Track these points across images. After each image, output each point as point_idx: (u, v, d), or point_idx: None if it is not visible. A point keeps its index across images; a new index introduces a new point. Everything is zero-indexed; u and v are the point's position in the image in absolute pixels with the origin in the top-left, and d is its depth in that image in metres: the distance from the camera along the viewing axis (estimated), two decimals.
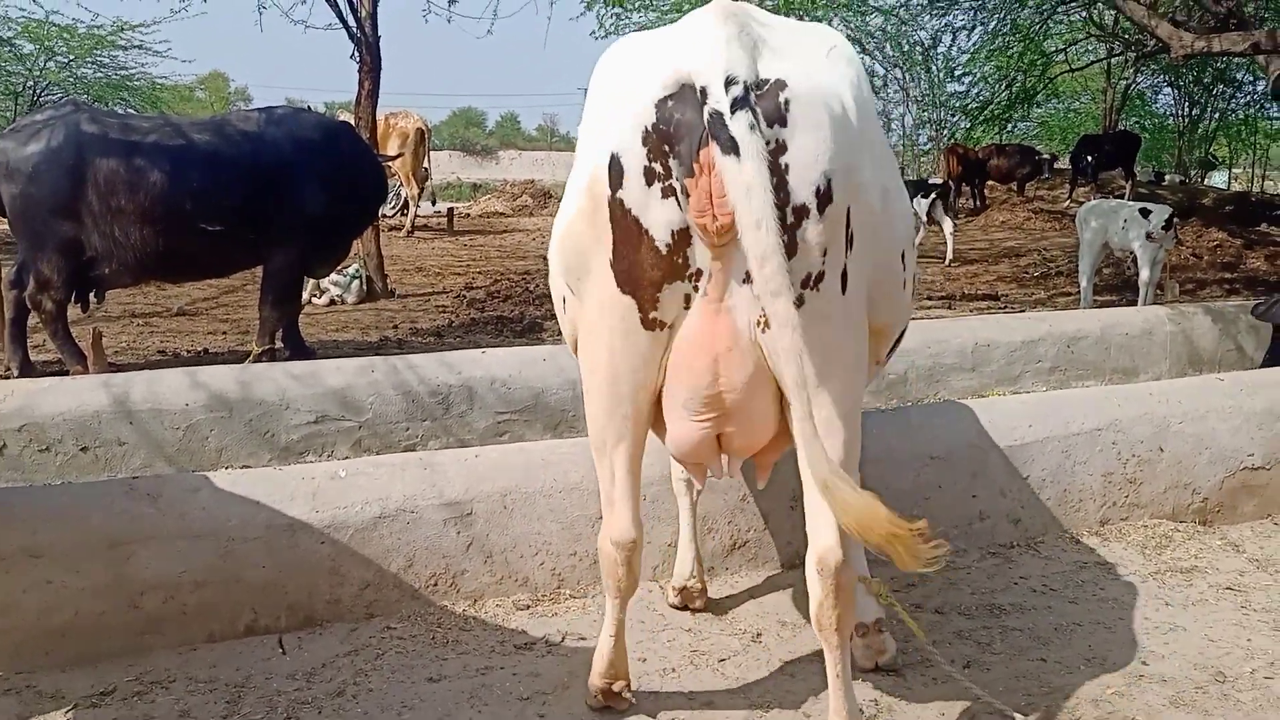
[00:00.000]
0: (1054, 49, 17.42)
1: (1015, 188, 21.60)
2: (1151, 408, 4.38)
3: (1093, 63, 20.51)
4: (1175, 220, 9.67)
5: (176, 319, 9.79)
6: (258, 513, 3.34)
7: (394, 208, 19.84)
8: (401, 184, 18.57)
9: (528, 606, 3.53)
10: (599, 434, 2.61)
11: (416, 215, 18.66)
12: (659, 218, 2.27)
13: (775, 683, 3.04)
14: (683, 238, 2.27)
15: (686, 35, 2.35)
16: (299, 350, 7.21)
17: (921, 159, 28.75)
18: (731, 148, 2.11)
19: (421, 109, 20.25)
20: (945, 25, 17.05)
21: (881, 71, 26.11)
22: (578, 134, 2.70)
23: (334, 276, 10.41)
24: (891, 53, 24.80)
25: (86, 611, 3.14)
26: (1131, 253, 9.58)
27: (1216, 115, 26.89)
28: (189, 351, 8.03)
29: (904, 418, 4.26)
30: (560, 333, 3.05)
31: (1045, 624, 3.42)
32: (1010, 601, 3.59)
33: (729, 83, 2.14)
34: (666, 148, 2.23)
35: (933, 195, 14.06)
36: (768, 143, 2.16)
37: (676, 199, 2.25)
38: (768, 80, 2.20)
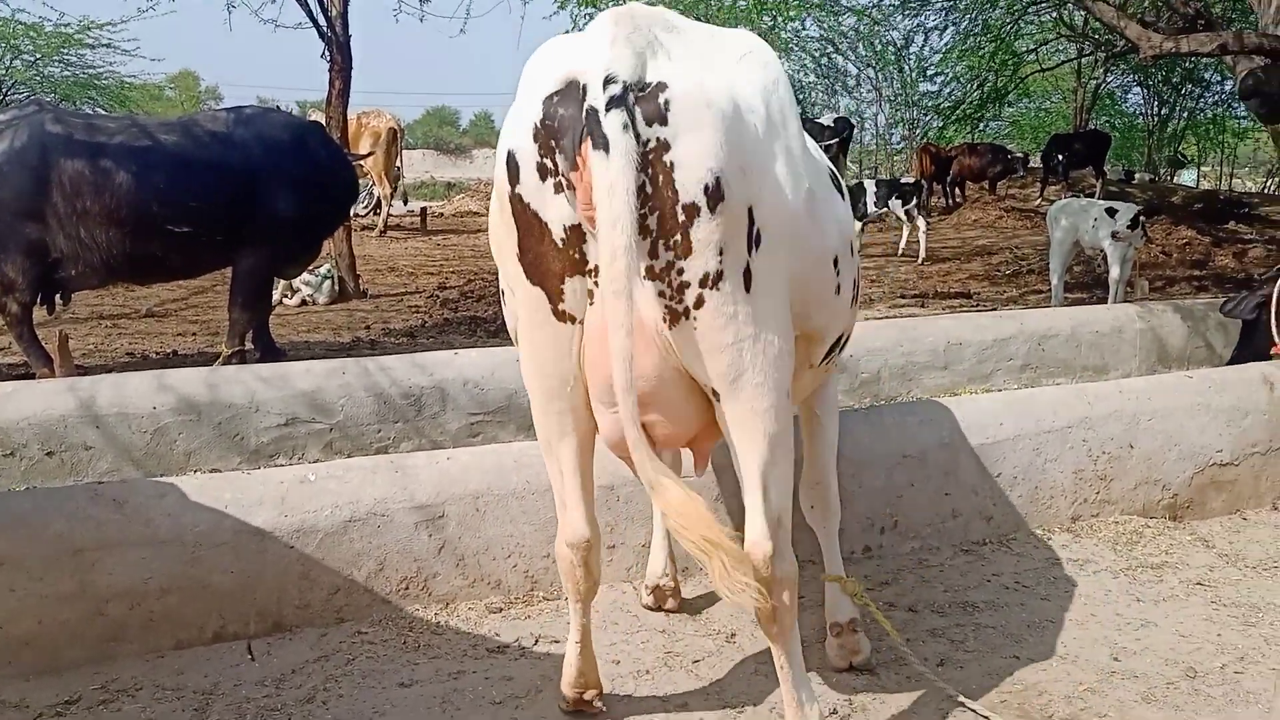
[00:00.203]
0: (1025, 49, 17.54)
1: (987, 186, 21.74)
2: (1122, 405, 4.41)
3: (1063, 63, 20.72)
4: (1143, 219, 9.75)
5: (145, 320, 9.68)
6: (225, 518, 3.29)
7: (366, 207, 19.73)
8: (374, 183, 18.47)
9: (500, 609, 3.51)
10: (543, 431, 2.63)
11: (389, 215, 18.56)
12: (554, 213, 2.31)
13: (749, 684, 3.03)
14: (577, 232, 2.29)
15: (584, 36, 2.39)
16: (269, 352, 7.14)
17: (895, 158, 28.90)
18: (603, 144, 2.13)
19: (395, 108, 20.20)
20: (917, 25, 17.17)
21: (855, 71, 26.25)
22: None
23: (305, 277, 10.34)
24: (864, 52, 24.92)
25: (51, 619, 3.08)
26: (1102, 251, 9.65)
27: (1185, 114, 27.20)
28: (157, 353, 7.95)
29: (877, 416, 4.27)
30: None
31: (1018, 621, 3.44)
32: (983, 599, 3.60)
33: (608, 81, 2.16)
34: (553, 143, 2.26)
35: (908, 195, 14.13)
36: (648, 141, 2.18)
37: (567, 195, 2.28)
38: (651, 82, 2.22)
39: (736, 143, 2.24)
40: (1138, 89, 27.03)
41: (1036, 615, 3.47)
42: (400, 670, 3.11)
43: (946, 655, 3.20)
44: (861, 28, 21.65)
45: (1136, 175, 26.28)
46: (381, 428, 5.09)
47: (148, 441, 4.77)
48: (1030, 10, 14.79)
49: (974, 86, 16.66)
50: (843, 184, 2.95)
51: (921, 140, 23.13)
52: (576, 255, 2.31)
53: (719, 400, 2.36)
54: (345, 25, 10.80)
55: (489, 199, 2.63)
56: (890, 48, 23.65)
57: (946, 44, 16.46)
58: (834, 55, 24.90)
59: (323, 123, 9.97)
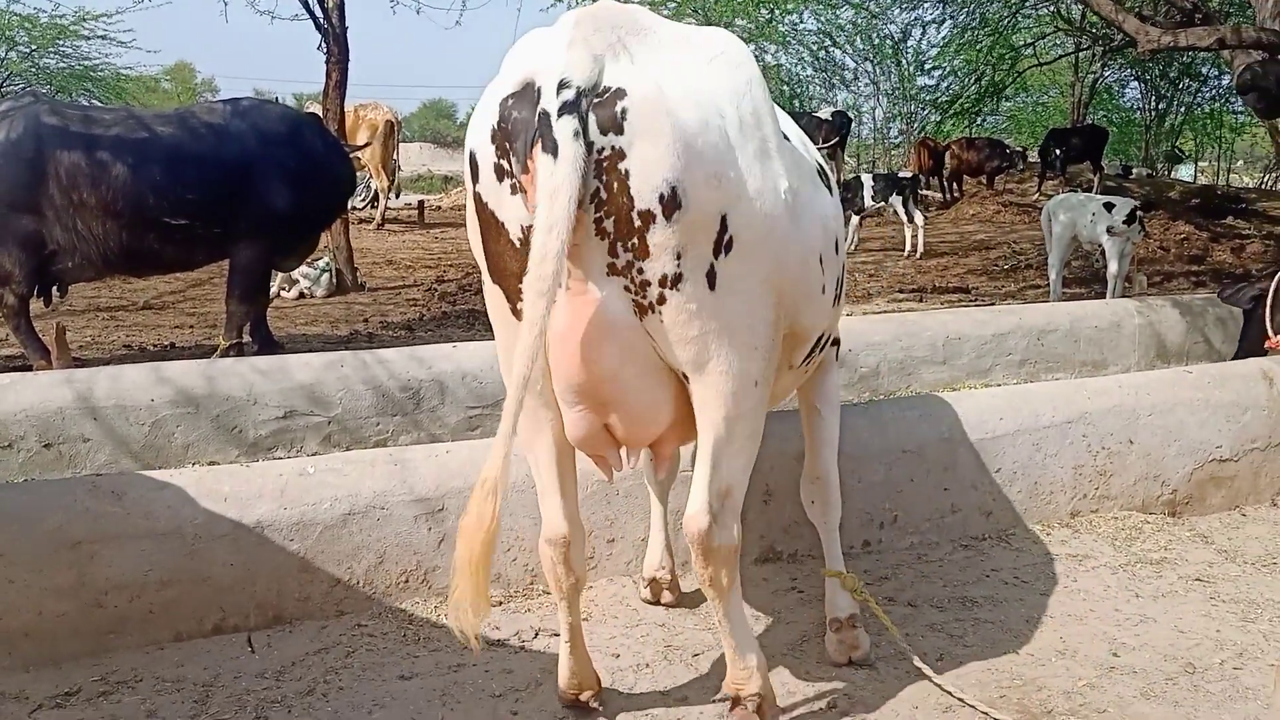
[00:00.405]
0: (1022, 43, 17.55)
1: (985, 181, 21.73)
2: (1121, 400, 4.42)
3: (1061, 57, 20.68)
4: (1140, 214, 9.75)
5: (142, 313, 9.66)
6: (225, 510, 3.29)
7: (364, 200, 19.68)
8: (371, 176, 18.43)
9: (500, 602, 3.51)
10: (521, 428, 2.60)
11: (387, 208, 18.52)
12: (510, 213, 2.30)
13: None
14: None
15: (547, 35, 2.36)
16: (267, 344, 7.13)
17: (892, 152, 28.89)
18: (551, 149, 2.12)
19: (392, 100, 20.13)
20: (915, 19, 17.20)
21: (852, 65, 26.27)
22: None
23: (303, 269, 10.30)
24: (862, 46, 24.96)
25: (50, 612, 3.08)
26: (1100, 246, 9.65)
27: (1183, 109, 27.18)
28: (155, 346, 7.92)
29: (876, 411, 4.27)
30: None
31: (1017, 616, 3.44)
32: (982, 594, 3.61)
33: (561, 86, 2.14)
34: (508, 145, 2.25)
35: (906, 191, 14.12)
36: (602, 149, 2.16)
37: (522, 196, 2.27)
38: (609, 88, 2.18)
39: (700, 151, 2.21)
40: (1135, 84, 27.07)
41: (1035, 611, 3.48)
42: (400, 663, 3.11)
43: (945, 650, 3.20)
44: (859, 21, 21.70)
45: (1134, 170, 26.26)
46: (380, 421, 5.08)
47: (146, 434, 4.76)
48: (1028, 4, 14.81)
49: (971, 80, 16.68)
50: (831, 179, 2.93)
51: (919, 134, 23.10)
52: None
53: (688, 382, 2.40)
54: (342, 17, 10.76)
55: None
56: (888, 41, 23.70)
57: (944, 38, 16.50)
58: (831, 49, 24.97)
59: (320, 115, 9.93)
